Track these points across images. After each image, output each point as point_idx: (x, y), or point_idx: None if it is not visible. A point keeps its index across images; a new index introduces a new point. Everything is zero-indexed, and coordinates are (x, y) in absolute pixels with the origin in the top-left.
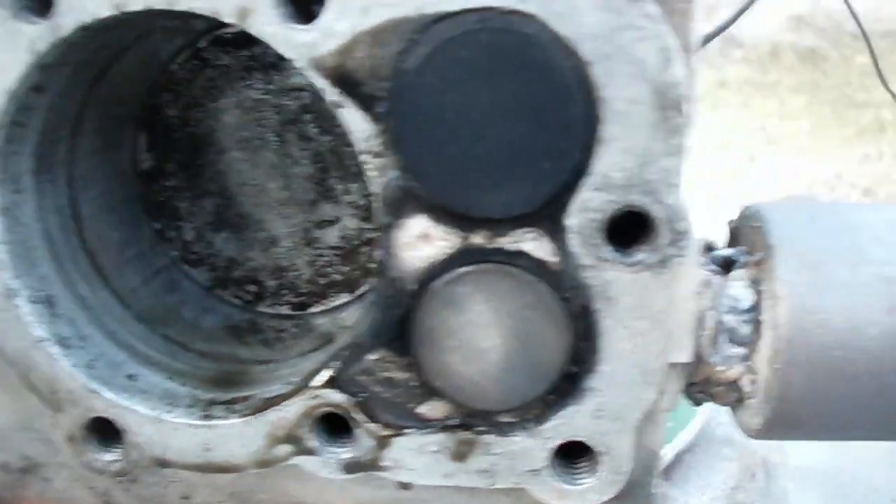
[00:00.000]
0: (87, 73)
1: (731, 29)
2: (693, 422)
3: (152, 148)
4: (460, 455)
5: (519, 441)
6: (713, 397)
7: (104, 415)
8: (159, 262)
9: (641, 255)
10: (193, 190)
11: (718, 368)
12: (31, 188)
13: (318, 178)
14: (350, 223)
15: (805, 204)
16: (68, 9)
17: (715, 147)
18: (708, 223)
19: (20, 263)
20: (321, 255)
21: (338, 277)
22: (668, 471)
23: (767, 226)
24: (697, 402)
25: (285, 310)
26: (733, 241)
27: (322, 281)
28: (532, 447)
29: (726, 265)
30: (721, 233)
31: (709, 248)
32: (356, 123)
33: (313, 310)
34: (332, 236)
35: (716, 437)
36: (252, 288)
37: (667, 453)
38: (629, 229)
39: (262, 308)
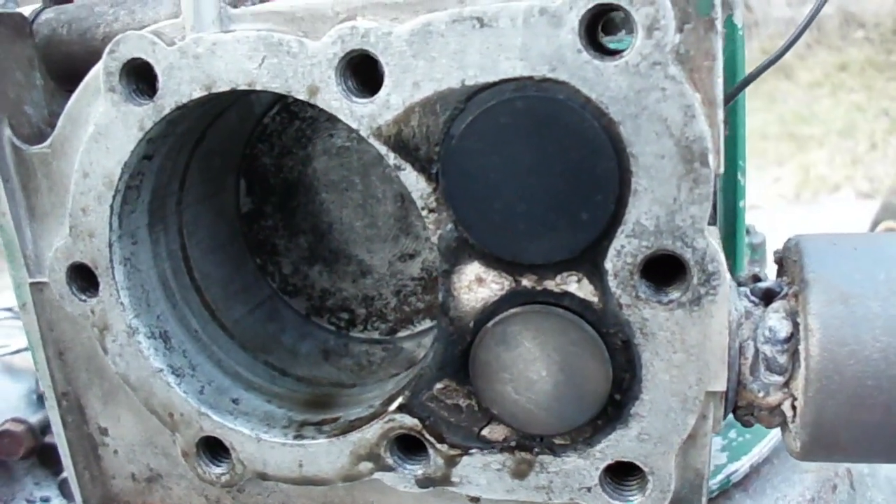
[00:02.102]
0: (189, 137)
1: (852, 7)
2: (770, 434)
3: (251, 192)
4: (520, 473)
5: (572, 461)
6: (759, 420)
7: (213, 434)
8: (261, 294)
9: (675, 294)
10: (289, 229)
11: (759, 395)
12: (146, 239)
13: (400, 216)
14: (429, 256)
15: (846, 236)
16: (168, 92)
17: (835, 134)
18: (828, 216)
19: (139, 305)
20: (405, 286)
21: (420, 305)
22: (745, 483)
23: (804, 259)
24: (746, 424)
25: (375, 335)
26: (780, 271)
27: (407, 309)
28: (584, 467)
29: (767, 296)
30: (838, 227)
31: (755, 278)
32: (414, 183)
33: (400, 335)
34: (414, 268)
35: None
36: (344, 315)
37: (743, 465)
38: (665, 269)
39: (355, 333)
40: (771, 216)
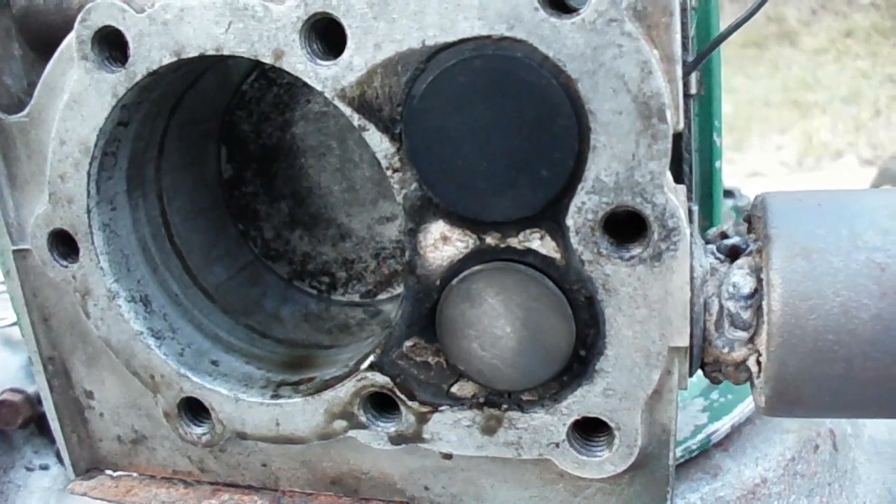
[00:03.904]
0: (165, 104)
1: None
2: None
3: (231, 159)
4: (489, 429)
5: (540, 417)
6: (726, 376)
7: (193, 395)
8: (243, 259)
9: (636, 250)
10: (269, 194)
11: (724, 350)
12: (125, 205)
13: (378, 179)
14: None
15: (812, 193)
16: (139, 59)
17: (839, 101)
18: (830, 184)
19: (119, 269)
20: (384, 248)
21: (399, 268)
22: (725, 442)
23: (768, 215)
24: (715, 381)
25: (355, 298)
26: (749, 228)
27: (385, 271)
28: (552, 423)
29: (733, 253)
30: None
31: (723, 235)
32: (378, 143)
33: (380, 297)
34: (392, 231)
35: None
36: (325, 279)
37: (724, 425)
38: (626, 226)
39: (335, 297)
40: (773, 184)
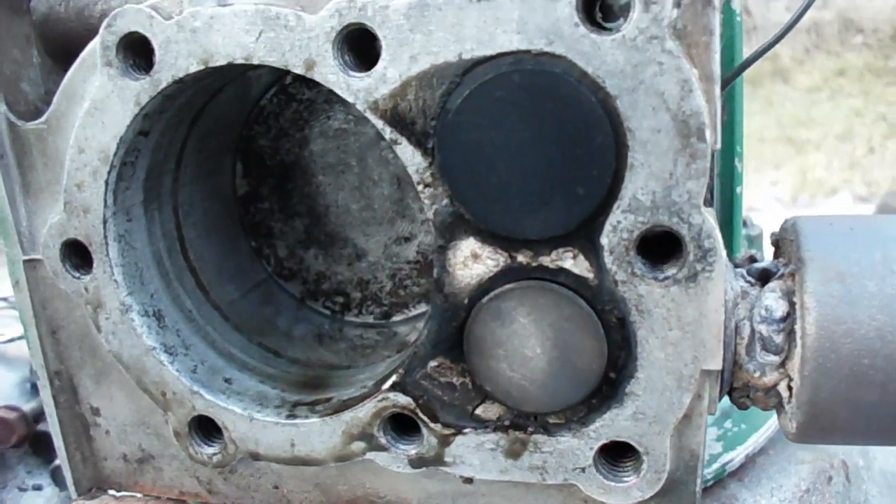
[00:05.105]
0: (186, 115)
1: (851, 13)
2: (766, 424)
3: (248, 174)
4: (514, 453)
5: (566, 441)
6: (754, 402)
7: (205, 413)
8: (256, 277)
9: (671, 270)
10: (285, 211)
11: (755, 375)
12: (141, 217)
13: (396, 198)
14: (426, 239)
15: (843, 217)
16: (165, 66)
17: (833, 138)
18: None
19: (133, 282)
20: (400, 269)
21: (416, 289)
22: (740, 473)
23: (801, 239)
24: (742, 407)
25: (370, 319)
26: (777, 252)
27: (402, 292)
28: (578, 446)
29: (764, 277)
30: None
31: (752, 259)
32: (410, 157)
33: (395, 319)
34: (409, 251)
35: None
36: (339, 299)
37: (739, 455)
38: (661, 246)
39: (349, 317)
40: (768, 219)
